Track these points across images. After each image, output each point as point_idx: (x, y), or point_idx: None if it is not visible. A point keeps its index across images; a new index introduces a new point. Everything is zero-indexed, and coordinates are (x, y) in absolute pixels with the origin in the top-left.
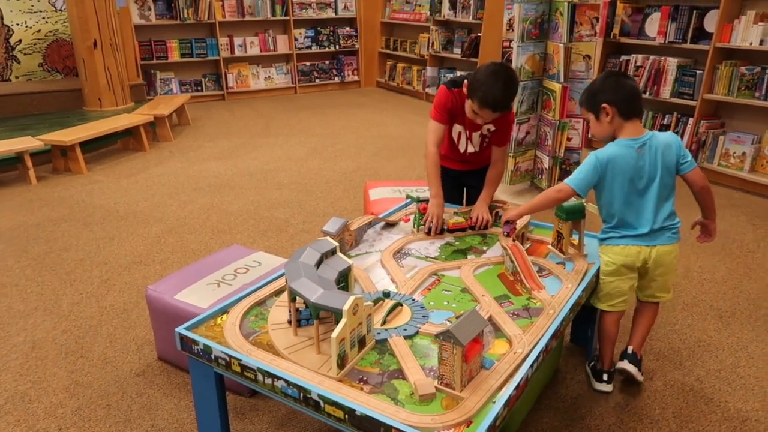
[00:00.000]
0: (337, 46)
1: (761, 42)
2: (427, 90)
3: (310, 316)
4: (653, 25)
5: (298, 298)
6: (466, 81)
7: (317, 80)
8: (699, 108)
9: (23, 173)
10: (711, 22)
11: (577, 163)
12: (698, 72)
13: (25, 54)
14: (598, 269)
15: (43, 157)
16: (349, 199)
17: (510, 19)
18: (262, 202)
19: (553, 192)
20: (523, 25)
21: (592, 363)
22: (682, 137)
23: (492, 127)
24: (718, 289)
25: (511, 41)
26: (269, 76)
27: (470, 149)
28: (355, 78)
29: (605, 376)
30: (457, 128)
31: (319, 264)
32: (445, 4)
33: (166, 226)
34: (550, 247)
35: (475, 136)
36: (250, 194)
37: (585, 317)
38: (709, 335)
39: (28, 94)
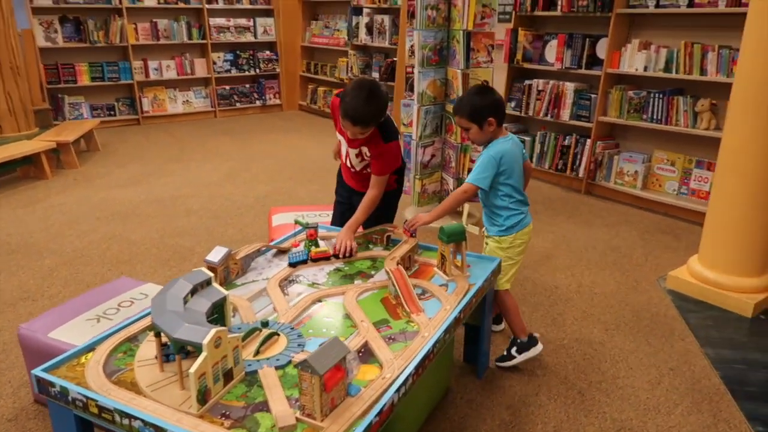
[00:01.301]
0: (258, 70)
1: (645, 68)
2: None
3: (181, 350)
4: (552, 51)
5: None
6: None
7: (237, 104)
8: (595, 129)
9: None
10: (602, 49)
11: None
12: (593, 96)
13: None
14: (480, 288)
15: None
16: (259, 225)
17: (411, 46)
18: (167, 230)
19: (459, 193)
20: (423, 51)
21: (514, 348)
22: (581, 157)
23: (368, 151)
24: (606, 302)
25: (413, 67)
26: (187, 100)
27: (349, 163)
28: (277, 101)
29: (537, 335)
30: (339, 137)
31: (192, 295)
32: (362, 30)
33: (61, 258)
34: (435, 269)
35: (352, 153)
36: (156, 222)
37: (475, 336)
38: (594, 348)
39: None
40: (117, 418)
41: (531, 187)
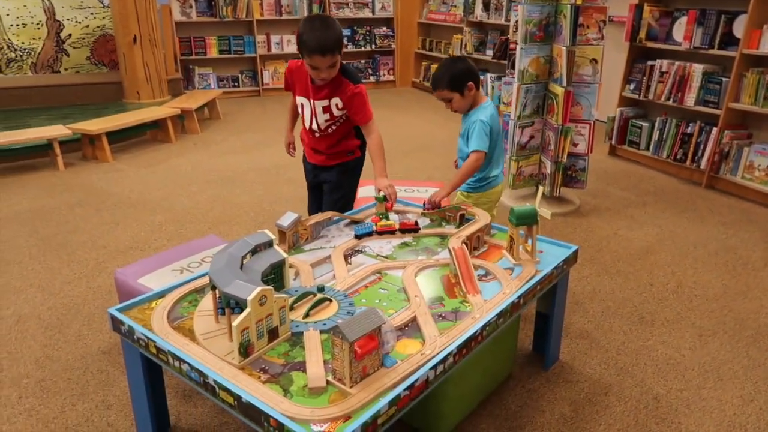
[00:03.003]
0: (374, 46)
1: None
2: None
3: (236, 305)
4: (680, 29)
5: None
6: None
7: None
8: (723, 117)
9: (53, 159)
10: (740, 28)
11: (583, 170)
12: (724, 79)
13: (74, 47)
14: (547, 275)
15: (77, 144)
16: None
17: (516, 21)
18: (267, 197)
19: (472, 161)
20: (527, 27)
21: None
22: (704, 147)
23: (339, 102)
24: (707, 306)
25: (516, 43)
26: None
27: (314, 125)
28: (391, 78)
29: None
30: (300, 100)
31: (253, 254)
32: (479, 5)
33: (171, 215)
34: (504, 251)
35: (319, 108)
36: (259, 188)
37: (544, 325)
38: (681, 353)
39: (74, 86)
40: (170, 359)
41: (643, 176)
